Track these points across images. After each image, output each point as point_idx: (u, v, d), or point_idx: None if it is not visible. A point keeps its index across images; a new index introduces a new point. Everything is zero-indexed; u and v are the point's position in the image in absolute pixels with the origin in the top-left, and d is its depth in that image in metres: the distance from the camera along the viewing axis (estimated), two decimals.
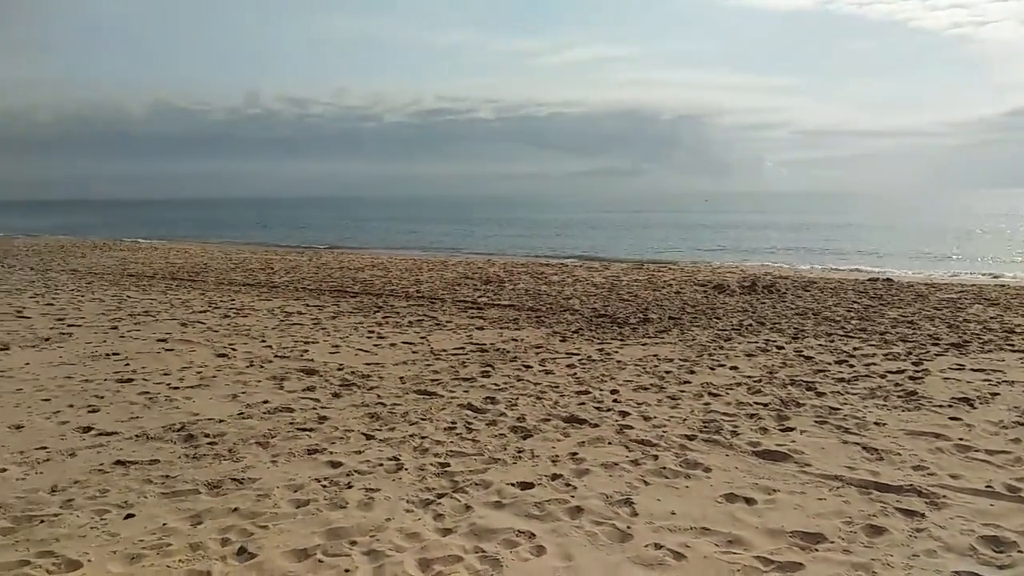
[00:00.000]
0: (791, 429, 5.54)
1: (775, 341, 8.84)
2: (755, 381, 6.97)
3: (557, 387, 6.76)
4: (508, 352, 8.28)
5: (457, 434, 5.42)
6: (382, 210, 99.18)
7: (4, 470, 4.68)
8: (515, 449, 5.10)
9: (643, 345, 8.67)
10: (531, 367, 7.56)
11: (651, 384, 6.86)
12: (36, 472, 4.65)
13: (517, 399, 6.35)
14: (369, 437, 5.36)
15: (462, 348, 8.54)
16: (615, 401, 6.29)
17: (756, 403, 6.24)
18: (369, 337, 9.24)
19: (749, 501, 4.28)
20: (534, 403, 6.23)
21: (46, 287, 14.24)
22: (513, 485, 4.46)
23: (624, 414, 5.91)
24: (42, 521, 3.93)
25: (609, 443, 5.23)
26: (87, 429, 5.50)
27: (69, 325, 9.94)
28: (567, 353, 8.22)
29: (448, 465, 4.79)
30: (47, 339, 8.97)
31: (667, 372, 7.32)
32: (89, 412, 5.95)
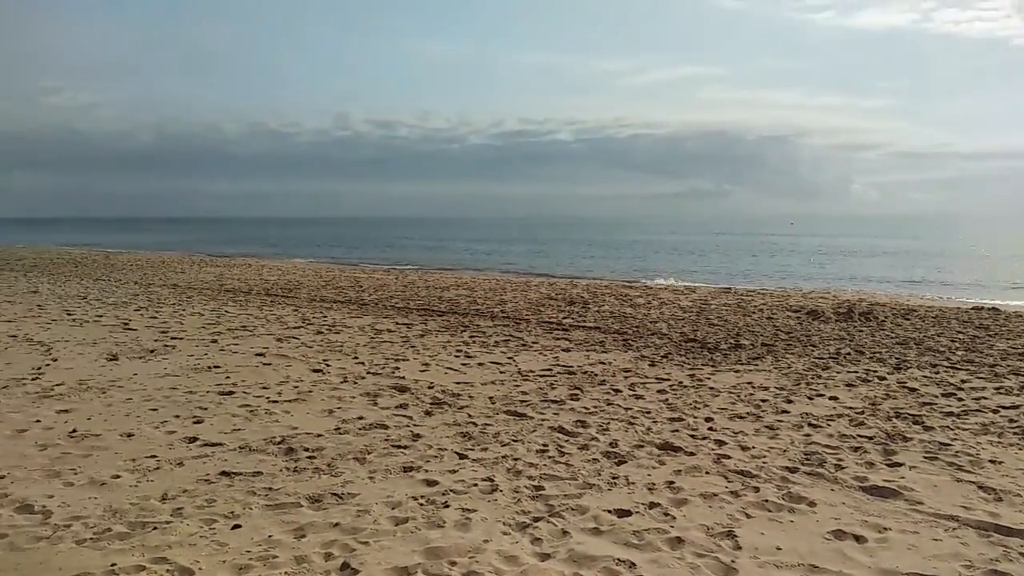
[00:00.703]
0: (899, 464, 5.29)
1: (876, 371, 8.49)
2: (857, 412, 6.69)
3: (649, 413, 6.65)
4: (596, 375, 8.21)
5: (550, 457, 5.38)
6: (464, 230, 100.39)
7: (118, 476, 4.89)
8: (609, 475, 5.03)
9: (736, 372, 8.46)
10: (620, 391, 7.47)
11: (747, 413, 6.67)
12: (147, 480, 4.84)
13: (608, 424, 6.27)
14: (462, 456, 5.38)
15: (549, 370, 8.51)
16: (710, 429, 6.14)
17: (860, 436, 5.98)
18: (457, 356, 9.31)
19: (859, 539, 4.09)
20: (626, 428, 6.14)
21: (149, 301, 14.92)
22: (610, 512, 4.39)
23: (720, 443, 5.76)
24: (155, 528, 4.08)
25: (707, 473, 5.10)
26: (193, 439, 5.70)
27: (172, 338, 10.37)
28: (657, 378, 8.09)
29: (543, 488, 4.75)
30: (152, 351, 9.38)
31: (763, 401, 7.11)
32: (194, 423, 6.18)
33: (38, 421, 6.18)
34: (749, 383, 7.87)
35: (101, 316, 12.50)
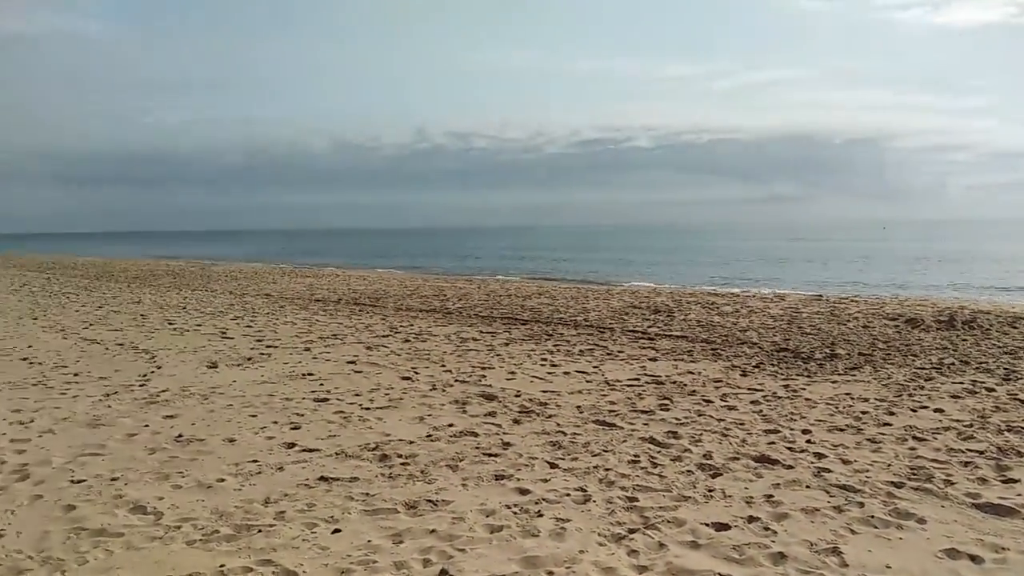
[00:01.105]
0: (1015, 480, 5.01)
1: (983, 382, 8.06)
2: (965, 426, 6.37)
3: (743, 424, 6.49)
4: (686, 385, 8.07)
5: (642, 468, 5.32)
6: (543, 240, 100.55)
7: (222, 480, 5.07)
8: (705, 487, 4.92)
9: (833, 383, 8.17)
10: (712, 402, 7.32)
11: (846, 425, 6.44)
12: (250, 484, 5.01)
13: (701, 435, 6.15)
14: (553, 466, 5.36)
15: (636, 379, 8.41)
16: (808, 442, 5.94)
17: (970, 450, 5.69)
18: (542, 365, 9.31)
19: (975, 559, 3.88)
20: (720, 440, 6.00)
21: (244, 310, 15.48)
22: (707, 525, 4.29)
23: (820, 456, 5.57)
24: (259, 531, 4.21)
25: (807, 486, 4.93)
26: (291, 445, 5.88)
27: (267, 346, 10.73)
28: (750, 388, 7.89)
29: (636, 500, 4.70)
30: (249, 359, 9.72)
31: (863, 412, 6.85)
32: (292, 429, 6.36)
33: (146, 426, 6.48)
34: (847, 394, 7.59)
35: (200, 325, 13.05)
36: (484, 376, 8.60)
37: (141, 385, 8.11)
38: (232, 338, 11.52)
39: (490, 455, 5.61)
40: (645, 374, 8.70)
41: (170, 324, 13.20)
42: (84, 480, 5.08)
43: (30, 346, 10.76)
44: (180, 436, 6.14)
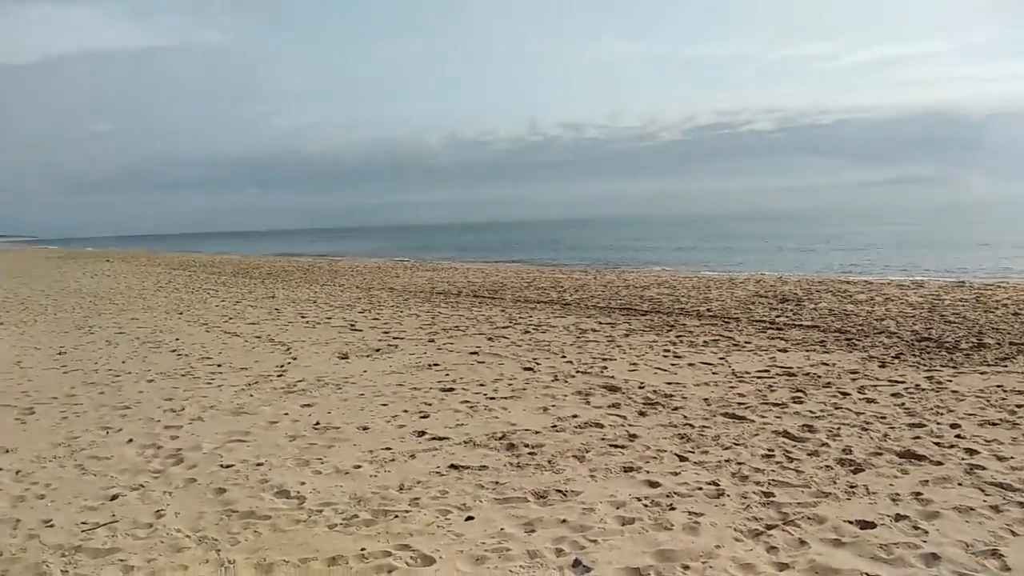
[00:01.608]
0: None
1: None
2: None
3: (884, 418, 6.15)
4: (820, 377, 7.73)
5: (777, 463, 5.13)
6: (660, 229, 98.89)
7: (359, 467, 5.26)
8: (846, 483, 4.70)
9: (982, 374, 7.63)
10: (849, 394, 6.98)
11: (1000, 419, 5.99)
12: (385, 470, 5.17)
13: (839, 429, 5.87)
14: (682, 459, 5.26)
15: (766, 371, 8.13)
16: (958, 437, 5.57)
17: None
18: (665, 356, 9.15)
19: None
20: (859, 434, 5.72)
21: (371, 304, 16.01)
22: (851, 523, 4.09)
23: (971, 452, 5.21)
24: (396, 516, 4.34)
25: (959, 484, 4.63)
26: (421, 433, 6.03)
27: (394, 338, 11.06)
28: (890, 380, 7.48)
29: (773, 495, 4.54)
30: (377, 350, 10.05)
31: (1018, 406, 6.36)
32: (421, 417, 6.53)
33: (286, 414, 6.81)
34: (999, 386, 7.07)
35: (330, 318, 13.60)
36: (606, 367, 8.53)
37: (279, 375, 8.53)
38: (361, 330, 11.94)
39: (617, 447, 5.56)
40: (775, 365, 8.40)
41: (302, 317, 13.82)
42: (232, 465, 5.39)
43: (177, 339, 11.53)
44: (317, 424, 6.42)
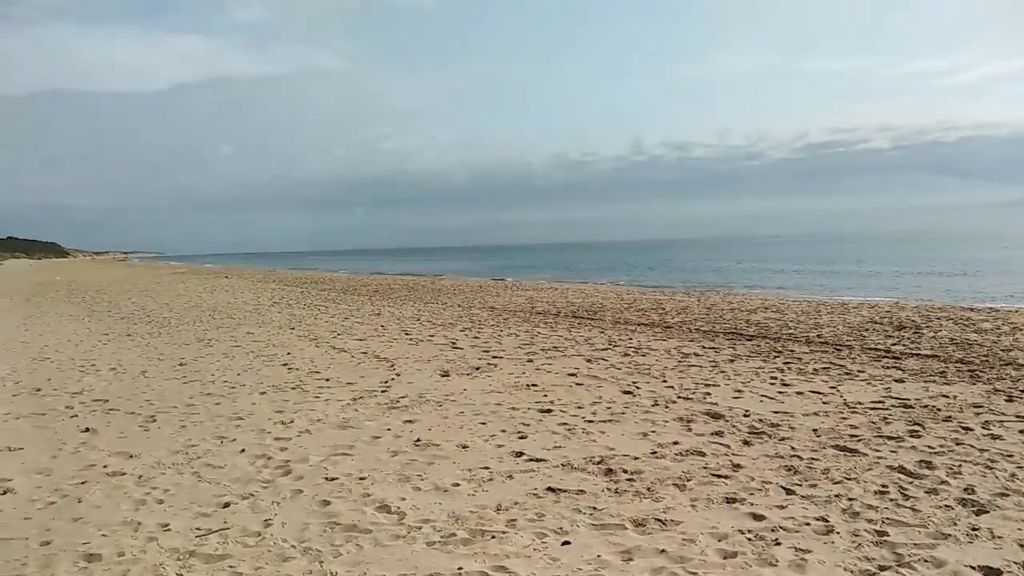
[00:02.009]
0: None
1: None
2: None
3: (1011, 456, 5.74)
4: (939, 410, 7.29)
5: (891, 500, 4.86)
6: (767, 250, 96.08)
7: (457, 485, 5.32)
8: (968, 525, 4.40)
9: None
10: (972, 429, 6.55)
11: None
12: (483, 490, 5.20)
13: (960, 466, 5.51)
14: (789, 492, 5.06)
15: (881, 402, 7.74)
16: None
17: None
18: (772, 383, 8.85)
19: None
20: (983, 473, 5.35)
21: (471, 323, 16.22)
22: (973, 568, 3.83)
23: None
24: (493, 536, 4.35)
25: None
26: (519, 454, 6.04)
27: (494, 357, 11.15)
28: (1017, 416, 6.98)
29: (886, 534, 4.30)
30: (477, 368, 10.15)
31: None
32: (519, 438, 6.54)
33: (389, 429, 6.96)
34: None
35: (432, 336, 13.85)
36: (709, 393, 8.33)
37: (383, 391, 8.74)
38: (461, 348, 12.10)
39: (719, 476, 5.40)
40: (890, 396, 7.98)
41: (406, 335, 14.13)
42: (336, 478, 5.54)
43: (289, 353, 12.00)
44: (418, 440, 6.53)
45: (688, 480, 5.32)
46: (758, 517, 4.59)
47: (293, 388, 9.06)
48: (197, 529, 4.58)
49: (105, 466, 5.95)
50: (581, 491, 5.12)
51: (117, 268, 73.93)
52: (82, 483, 5.53)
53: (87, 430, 7.14)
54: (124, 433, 7.01)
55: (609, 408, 7.65)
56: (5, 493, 5.35)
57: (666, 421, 7.09)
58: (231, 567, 4.04)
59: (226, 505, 5.00)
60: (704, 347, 11.90)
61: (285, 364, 10.89)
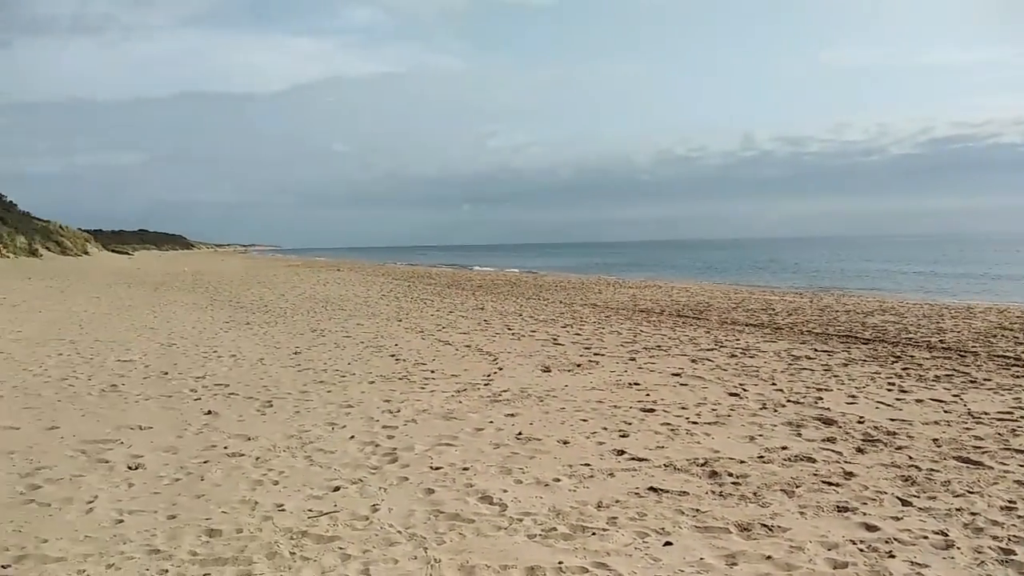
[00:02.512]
0: None
1: None
2: None
3: None
4: None
5: (1019, 516, 4.57)
6: (886, 250, 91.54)
7: (558, 480, 5.34)
8: None
9: None
10: None
11: None
12: (583, 486, 5.21)
13: None
14: (905, 503, 4.83)
15: (1009, 413, 7.26)
16: None
17: None
18: (889, 390, 8.45)
19: None
20: None
21: (573, 319, 16.22)
22: None
23: None
24: (593, 533, 4.36)
25: None
26: (620, 452, 6.00)
27: (595, 354, 11.11)
28: None
29: (1013, 552, 4.04)
30: (579, 365, 10.15)
31: None
32: (620, 436, 6.51)
33: (491, 422, 7.06)
34: None
35: (534, 331, 13.93)
36: (820, 398, 8.03)
37: (486, 384, 8.87)
38: (563, 345, 12.13)
39: (830, 484, 5.21)
40: (1020, 407, 7.48)
41: (508, 329, 14.27)
42: (440, 467, 5.67)
43: (396, 344, 12.33)
44: (520, 434, 6.59)
45: (797, 486, 5.15)
46: (871, 528, 4.41)
47: (400, 378, 9.32)
48: (309, 511, 4.79)
49: (225, 447, 6.30)
50: (684, 492, 5.05)
51: (237, 260, 77.90)
52: (204, 462, 5.88)
53: (209, 412, 7.57)
54: (243, 417, 7.39)
55: (714, 410, 7.50)
56: (137, 468, 5.74)
57: (774, 425, 6.89)
58: (340, 548, 4.20)
59: (336, 489, 5.20)
60: (816, 350, 11.48)
61: (393, 355, 11.20)
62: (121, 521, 4.64)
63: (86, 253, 68.90)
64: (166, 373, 9.82)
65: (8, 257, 51.69)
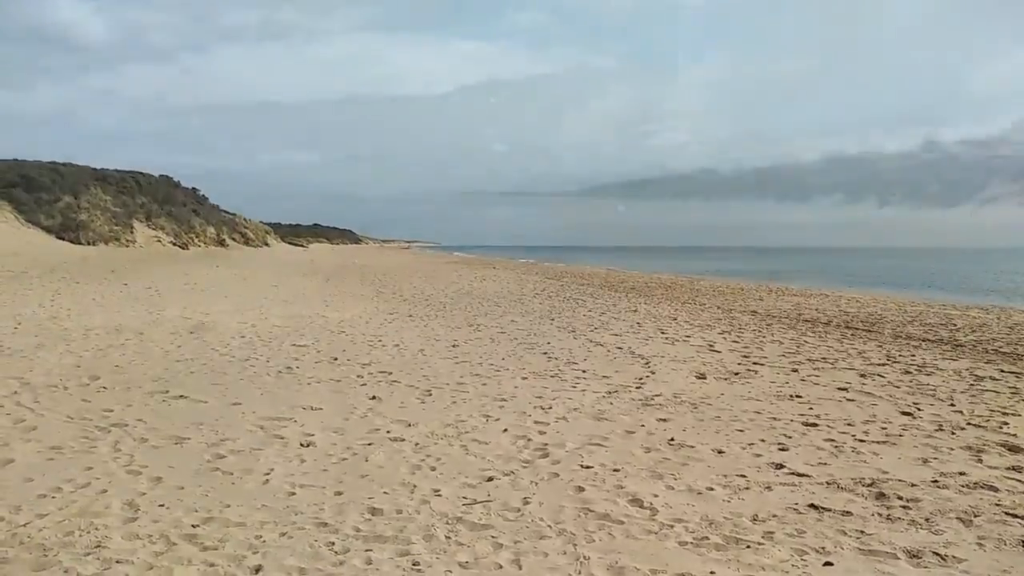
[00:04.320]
0: None
1: None
2: None
3: None
4: None
5: None
6: None
7: (712, 489, 5.23)
8: None
9: None
10: None
11: None
12: (738, 497, 5.07)
13: None
14: None
15: None
16: None
17: None
18: None
19: None
20: None
21: (731, 326, 15.73)
22: None
23: None
24: (748, 546, 4.23)
25: None
26: (779, 466, 5.78)
27: (754, 363, 10.74)
28: None
29: None
30: (736, 373, 9.84)
31: None
32: (779, 450, 6.26)
33: (642, 425, 7.01)
34: None
35: (689, 336, 13.65)
36: (1006, 423, 7.36)
37: (637, 387, 8.80)
38: (719, 352, 11.81)
39: (1015, 516, 4.78)
40: None
41: (662, 333, 14.06)
42: (591, 467, 5.70)
43: (548, 342, 12.47)
44: (672, 440, 6.50)
45: (976, 515, 4.77)
46: None
47: (552, 376, 9.42)
48: (464, 498, 4.96)
49: (388, 431, 6.63)
50: (847, 512, 4.80)
51: (400, 255, 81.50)
52: (368, 444, 6.22)
53: (374, 398, 8.00)
54: (404, 404, 7.75)
55: (884, 428, 7.06)
56: (309, 446, 6.17)
57: (951, 448, 6.39)
58: (493, 537, 4.33)
59: (489, 479, 5.35)
60: (1003, 371, 10.51)
61: (545, 353, 11.34)
62: (293, 494, 5.01)
63: (266, 244, 74.57)
64: (335, 359, 10.45)
65: (200, 246, 57.05)
